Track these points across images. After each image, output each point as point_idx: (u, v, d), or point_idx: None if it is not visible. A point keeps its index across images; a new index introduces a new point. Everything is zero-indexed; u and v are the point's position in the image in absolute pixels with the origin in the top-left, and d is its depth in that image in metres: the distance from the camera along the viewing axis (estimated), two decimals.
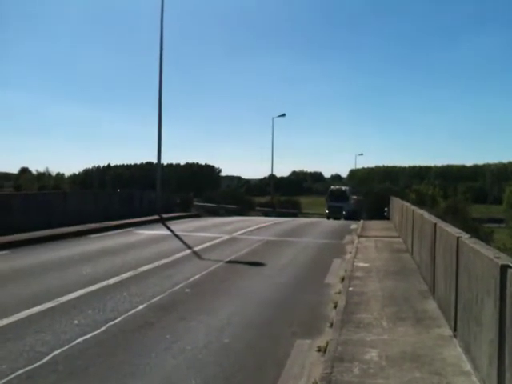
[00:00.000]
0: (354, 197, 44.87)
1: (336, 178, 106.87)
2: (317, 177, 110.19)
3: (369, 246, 13.69)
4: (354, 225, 23.05)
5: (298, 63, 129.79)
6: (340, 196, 40.92)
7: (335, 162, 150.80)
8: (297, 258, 12.30)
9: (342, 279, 8.98)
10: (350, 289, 8.02)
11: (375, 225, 22.08)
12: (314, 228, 22.14)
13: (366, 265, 10.45)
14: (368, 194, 47.78)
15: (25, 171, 78.28)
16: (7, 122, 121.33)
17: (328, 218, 37.74)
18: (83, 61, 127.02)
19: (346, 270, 9.87)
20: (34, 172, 76.83)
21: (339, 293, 7.91)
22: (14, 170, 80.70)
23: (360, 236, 16.34)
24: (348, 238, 17.15)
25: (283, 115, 47.01)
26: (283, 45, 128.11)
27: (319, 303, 7.54)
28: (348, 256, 12.25)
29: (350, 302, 7.14)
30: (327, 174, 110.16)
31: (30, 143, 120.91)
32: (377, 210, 34.21)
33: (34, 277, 8.86)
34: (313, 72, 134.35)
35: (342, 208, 39.19)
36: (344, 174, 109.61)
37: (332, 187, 45.47)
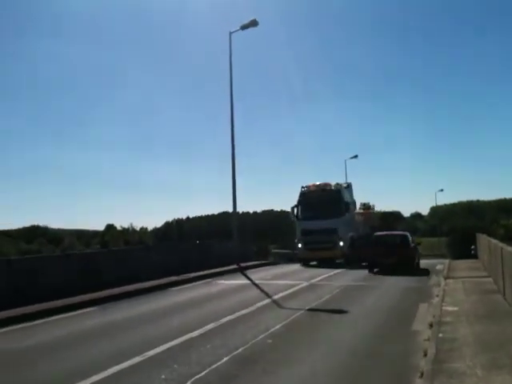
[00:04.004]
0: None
1: (416, 217, 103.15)
2: (395, 216, 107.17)
3: (457, 288, 12.99)
4: (439, 265, 22.03)
5: (367, 104, 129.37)
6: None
7: (414, 200, 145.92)
8: (380, 304, 11.89)
9: (431, 325, 8.54)
10: (440, 335, 7.60)
11: (462, 264, 21.00)
12: (401, 269, 21.30)
13: (455, 309, 9.90)
14: (452, 231, 45.40)
15: (110, 228, 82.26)
16: (90, 181, 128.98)
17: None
18: (156, 114, 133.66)
19: (433, 315, 9.38)
20: (118, 228, 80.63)
21: (428, 340, 7.51)
22: (101, 227, 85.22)
23: (447, 277, 15.57)
24: (434, 279, 16.39)
25: (355, 157, 46.46)
26: (349, 86, 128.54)
27: (407, 352, 7.18)
28: (435, 300, 11.67)
29: (441, 349, 6.75)
30: (406, 213, 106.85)
31: (114, 201, 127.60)
32: (463, 249, 32.52)
33: (123, 331, 9.17)
34: (385, 112, 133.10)
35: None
36: (424, 211, 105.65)
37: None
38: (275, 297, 12.82)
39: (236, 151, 23.05)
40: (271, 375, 6.17)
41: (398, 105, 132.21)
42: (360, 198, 42.68)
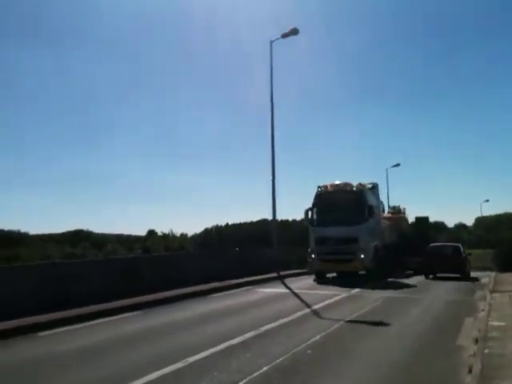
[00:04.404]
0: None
1: (461, 227, 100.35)
2: (438, 227, 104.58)
3: (503, 303, 12.58)
4: (485, 278, 21.37)
5: (410, 112, 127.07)
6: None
7: (458, 211, 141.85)
8: (423, 317, 11.63)
9: (476, 340, 8.29)
10: (486, 351, 7.36)
11: (509, 277, 20.28)
12: (441, 283, 20.85)
13: (502, 323, 9.57)
14: (499, 243, 43.81)
15: (151, 233, 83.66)
16: (133, 188, 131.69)
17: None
18: (196, 124, 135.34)
19: (479, 330, 9.11)
20: (159, 233, 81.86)
21: (474, 356, 7.29)
22: (143, 232, 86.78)
23: (493, 291, 15.09)
24: (479, 293, 15.92)
25: (397, 165, 45.74)
26: (391, 95, 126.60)
27: (452, 367, 6.99)
28: (481, 314, 11.32)
29: (487, 365, 6.54)
30: (450, 224, 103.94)
31: (155, 207, 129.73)
32: (510, 261, 31.33)
33: (164, 337, 9.30)
34: (428, 120, 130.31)
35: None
36: (469, 222, 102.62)
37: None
38: (315, 307, 12.73)
39: (276, 159, 23.11)
40: None
41: (443, 113, 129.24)
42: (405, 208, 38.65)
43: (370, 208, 20.60)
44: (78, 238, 75.52)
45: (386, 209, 30.82)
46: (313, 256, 20.81)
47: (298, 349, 8.00)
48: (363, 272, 20.40)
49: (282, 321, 10.60)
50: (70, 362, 7.54)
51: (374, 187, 22.89)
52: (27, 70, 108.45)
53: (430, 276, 22.73)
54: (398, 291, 16.85)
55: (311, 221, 21.41)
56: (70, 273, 13.29)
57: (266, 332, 9.45)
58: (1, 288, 11.23)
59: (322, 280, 20.36)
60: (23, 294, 11.53)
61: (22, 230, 72.92)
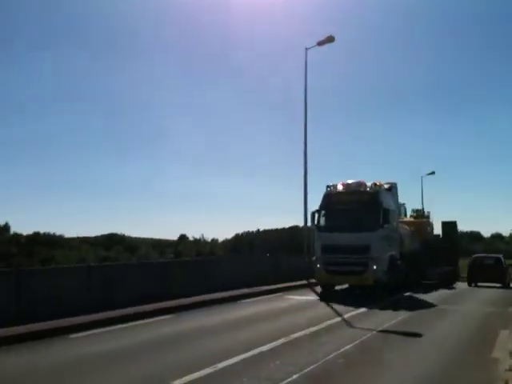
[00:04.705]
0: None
1: (497, 238, 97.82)
2: (474, 236, 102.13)
3: None
4: None
5: (444, 120, 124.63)
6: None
7: (494, 221, 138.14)
8: (457, 328, 11.38)
9: None
10: None
11: None
12: (476, 294, 20.39)
13: None
14: None
15: (183, 238, 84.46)
16: (166, 193, 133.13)
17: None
18: (230, 130, 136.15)
19: None
20: (190, 238, 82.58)
21: (510, 370, 7.09)
22: (174, 237, 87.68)
23: None
24: None
25: (433, 173, 44.94)
26: (428, 101, 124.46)
27: (486, 380, 6.82)
28: None
29: None
30: (487, 233, 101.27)
31: (187, 212, 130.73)
32: None
33: (194, 341, 9.37)
34: (465, 127, 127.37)
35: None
36: (505, 232, 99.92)
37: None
38: (345, 315, 12.60)
39: (308, 167, 23.06)
40: None
41: (480, 120, 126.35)
42: (440, 217, 36.54)
43: (386, 212, 18.01)
44: (112, 241, 76.76)
45: (409, 213, 27.68)
46: (318, 266, 18.41)
47: (329, 357, 7.91)
48: (379, 283, 17.60)
49: (312, 329, 10.54)
50: (99, 365, 7.67)
51: (392, 188, 19.98)
52: (73, 71, 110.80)
53: (472, 284, 24.44)
54: (433, 301, 16.50)
55: (317, 225, 18.90)
56: (104, 276, 13.54)
57: (297, 340, 9.42)
58: (39, 288, 11.53)
59: (326, 294, 17.93)
60: (57, 296, 11.78)
61: (58, 233, 74.47)
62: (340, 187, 19.12)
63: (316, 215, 19.00)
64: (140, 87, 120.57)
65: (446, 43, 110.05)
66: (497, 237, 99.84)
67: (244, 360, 7.74)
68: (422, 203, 50.45)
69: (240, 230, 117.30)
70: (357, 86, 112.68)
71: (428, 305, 15.29)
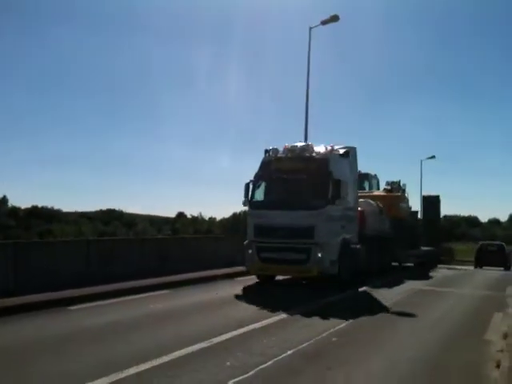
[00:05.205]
0: None
1: (494, 223, 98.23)
2: (471, 221, 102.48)
3: None
4: None
5: (447, 103, 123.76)
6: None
7: (492, 206, 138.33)
8: (452, 311, 11.49)
9: (505, 336, 8.16)
10: None
11: None
12: (472, 278, 20.62)
13: None
14: None
15: (181, 215, 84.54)
16: (165, 171, 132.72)
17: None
18: (228, 109, 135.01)
19: (508, 326, 8.96)
20: (188, 216, 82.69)
21: (501, 351, 7.18)
22: (172, 214, 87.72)
23: None
24: (510, 290, 15.61)
25: (433, 157, 44.74)
26: (430, 85, 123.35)
27: (478, 362, 6.89)
28: (510, 310, 11.13)
29: None
30: (484, 219, 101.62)
31: (185, 190, 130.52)
32: None
33: (191, 316, 9.47)
34: (465, 112, 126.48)
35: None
36: (503, 218, 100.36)
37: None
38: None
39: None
40: (333, 372, 6.16)
41: (482, 105, 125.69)
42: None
43: (337, 183, 13.95)
44: (110, 216, 76.91)
45: (382, 186, 23.37)
46: (250, 252, 14.25)
47: (323, 335, 8.03)
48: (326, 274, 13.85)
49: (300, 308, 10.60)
50: (100, 335, 7.80)
51: (349, 153, 15.70)
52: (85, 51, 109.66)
53: (477, 267, 28.67)
54: (430, 284, 16.62)
55: (251, 200, 14.82)
56: (103, 250, 13.64)
57: (285, 320, 9.50)
58: (39, 261, 11.61)
59: (253, 288, 14.30)
60: (55, 269, 11.86)
61: (56, 207, 74.66)
62: (281, 152, 15.14)
63: (250, 188, 14.92)
64: (137, 62, 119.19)
65: (456, 21, 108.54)
66: (494, 222, 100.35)
67: (238, 336, 7.88)
68: (421, 188, 50.43)
69: (238, 210, 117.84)
70: (360, 66, 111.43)
71: (379, 308, 11.11)
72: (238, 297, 12.13)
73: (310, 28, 22.94)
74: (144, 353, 6.62)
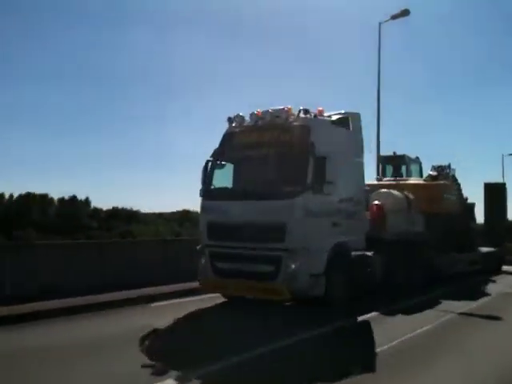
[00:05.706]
0: None
1: None
2: None
3: None
4: None
5: None
6: None
7: None
8: None
9: None
10: None
11: None
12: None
13: None
14: None
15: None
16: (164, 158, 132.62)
17: None
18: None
19: None
20: None
21: None
22: None
23: None
24: None
25: None
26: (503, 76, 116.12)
27: None
28: None
29: None
30: None
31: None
32: None
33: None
34: None
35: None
36: None
37: None
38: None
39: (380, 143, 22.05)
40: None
41: None
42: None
43: (322, 162, 9.82)
44: (186, 218, 78.89)
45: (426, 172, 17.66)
46: (203, 261, 10.30)
47: (406, 337, 7.81)
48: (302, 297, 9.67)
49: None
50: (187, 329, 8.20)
51: (345, 120, 11.25)
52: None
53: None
54: None
55: (204, 187, 10.68)
56: (177, 250, 14.11)
57: None
58: (120, 261, 12.29)
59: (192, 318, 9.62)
60: (138, 267, 12.40)
61: (134, 208, 77.75)
62: (248, 121, 10.86)
63: (208, 169, 10.80)
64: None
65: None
66: None
67: None
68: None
69: None
70: (433, 57, 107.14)
71: (367, 358, 6.66)
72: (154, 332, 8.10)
73: (380, 23, 22.40)
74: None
